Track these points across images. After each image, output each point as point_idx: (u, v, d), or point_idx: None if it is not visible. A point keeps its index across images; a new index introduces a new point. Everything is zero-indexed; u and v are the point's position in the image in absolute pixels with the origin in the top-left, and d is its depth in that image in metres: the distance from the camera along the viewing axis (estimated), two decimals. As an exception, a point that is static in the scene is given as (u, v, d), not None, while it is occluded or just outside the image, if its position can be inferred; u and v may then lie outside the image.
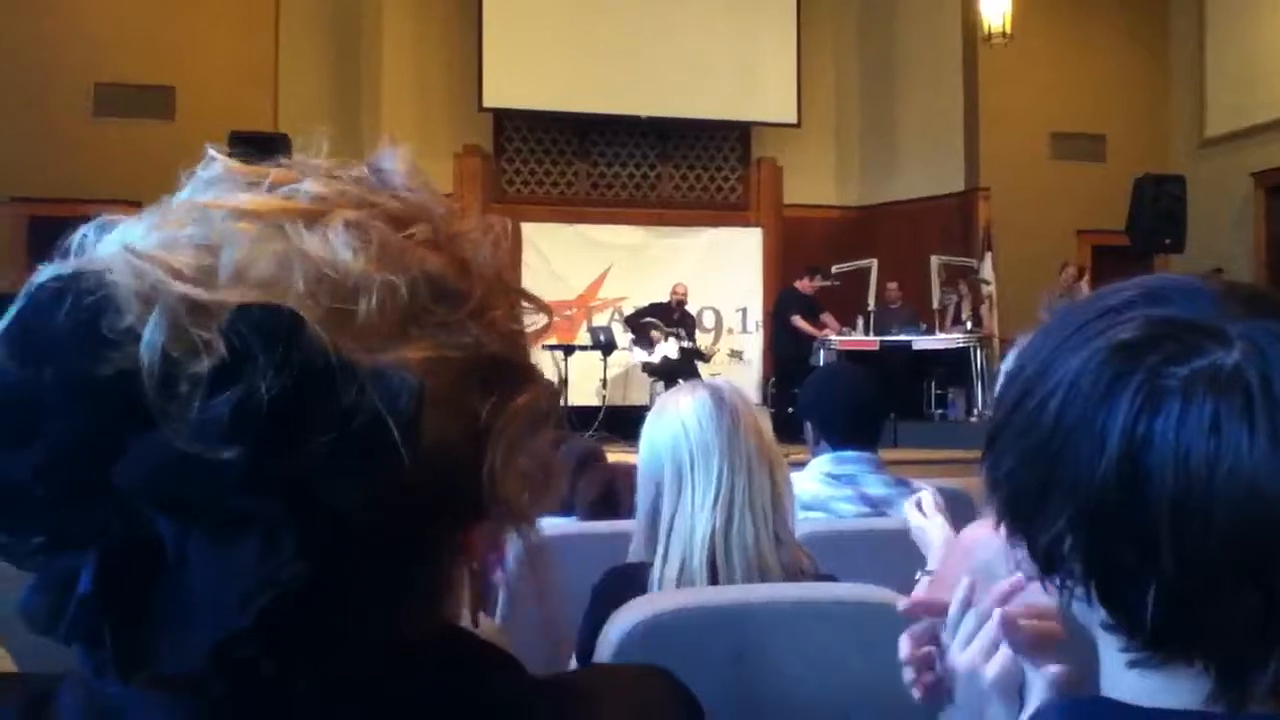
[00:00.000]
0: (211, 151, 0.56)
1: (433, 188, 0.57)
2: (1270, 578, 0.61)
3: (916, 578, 1.94)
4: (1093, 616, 0.67)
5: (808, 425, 2.65)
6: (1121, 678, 0.68)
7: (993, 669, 0.85)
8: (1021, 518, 0.68)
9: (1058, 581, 0.67)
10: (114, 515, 0.44)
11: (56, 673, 0.53)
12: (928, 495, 2.04)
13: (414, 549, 0.52)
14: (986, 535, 1.72)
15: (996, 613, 0.85)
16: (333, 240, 0.50)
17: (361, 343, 0.48)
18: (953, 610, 0.90)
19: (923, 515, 2.00)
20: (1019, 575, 0.80)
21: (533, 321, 0.58)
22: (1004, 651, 0.87)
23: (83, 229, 0.51)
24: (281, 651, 0.45)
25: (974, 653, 0.87)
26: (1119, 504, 0.62)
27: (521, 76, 11.03)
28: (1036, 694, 0.82)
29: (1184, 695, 0.65)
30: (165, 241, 0.49)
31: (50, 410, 0.44)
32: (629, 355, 10.42)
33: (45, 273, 0.47)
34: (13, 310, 0.46)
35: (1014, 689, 0.84)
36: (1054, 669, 0.81)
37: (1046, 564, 0.67)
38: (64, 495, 0.44)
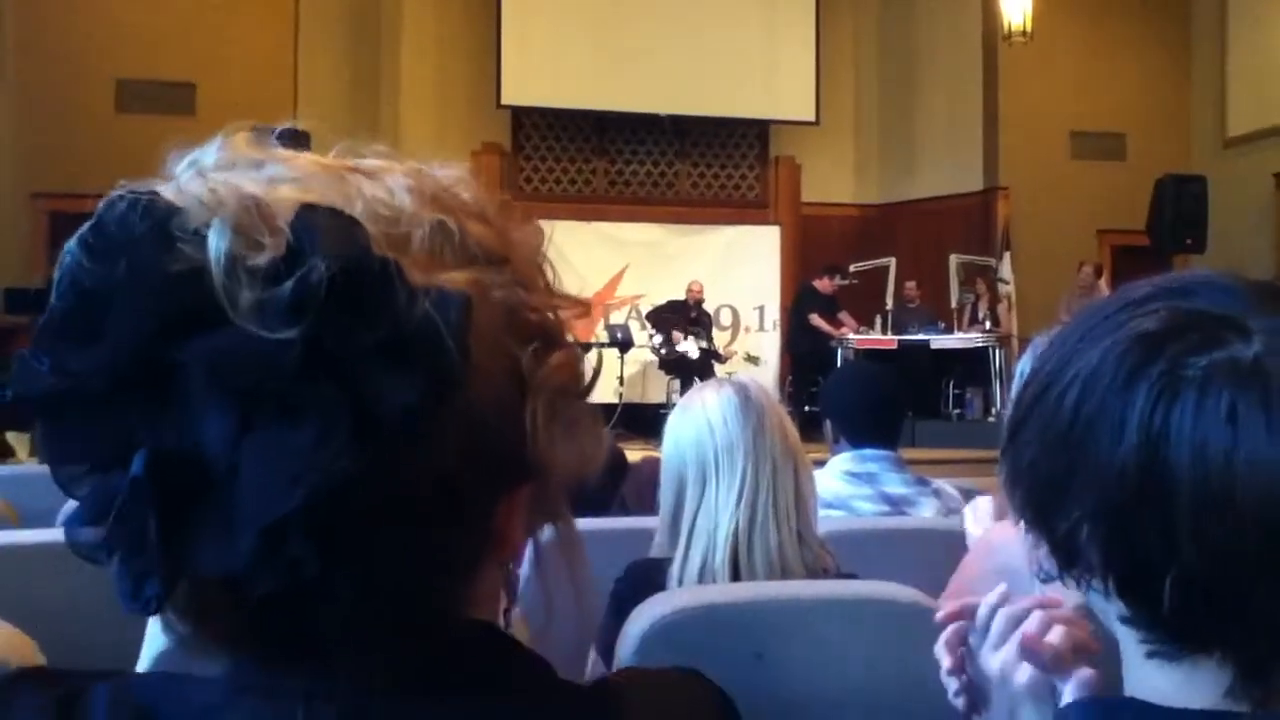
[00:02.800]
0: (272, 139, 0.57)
1: (480, 188, 0.58)
2: None
3: None
4: (1111, 610, 0.67)
5: (827, 423, 2.64)
6: (1143, 673, 0.68)
7: (1024, 674, 0.84)
8: (1041, 509, 0.68)
9: (1076, 576, 0.67)
10: (168, 421, 0.45)
11: (91, 670, 0.54)
12: (984, 502, 2.05)
13: (459, 499, 0.51)
14: (1010, 536, 1.71)
15: (1020, 629, 0.84)
16: (390, 184, 0.53)
17: (415, 265, 0.49)
18: (982, 612, 0.89)
19: (976, 522, 2.01)
20: (1046, 594, 0.80)
21: (569, 312, 0.58)
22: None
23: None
24: (326, 549, 0.45)
25: (1004, 657, 0.86)
26: (1137, 493, 0.62)
27: (540, 74, 11.04)
28: (1070, 695, 0.81)
29: (1205, 689, 0.65)
30: (234, 165, 0.51)
31: (121, 305, 0.45)
32: (648, 351, 10.42)
33: (121, 188, 0.49)
34: (90, 220, 0.48)
35: (1046, 691, 0.84)
36: (1086, 672, 0.81)
37: (1065, 557, 0.67)
38: (125, 390, 0.45)
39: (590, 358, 0.61)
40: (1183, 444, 0.61)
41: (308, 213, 0.46)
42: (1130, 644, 0.67)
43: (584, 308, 0.60)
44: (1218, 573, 0.61)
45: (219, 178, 0.50)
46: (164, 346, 0.45)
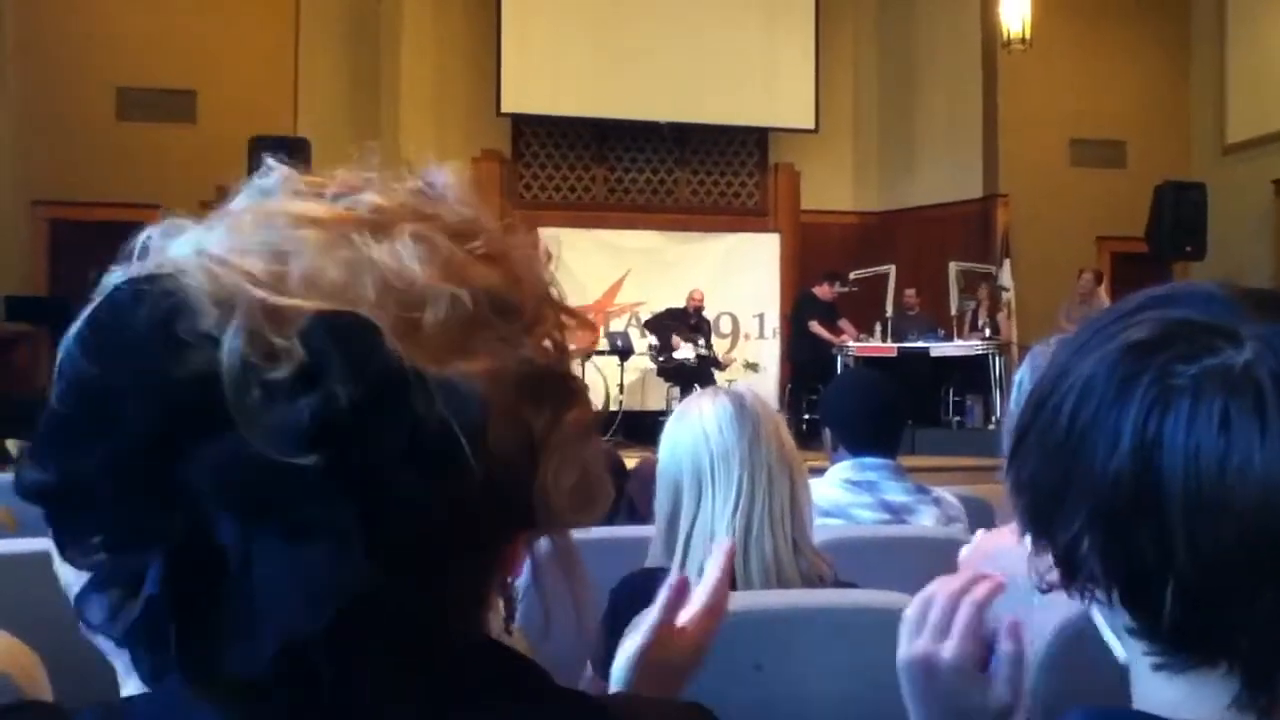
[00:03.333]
0: (270, 161, 0.56)
1: (483, 204, 0.58)
2: None
3: None
4: (1117, 622, 0.67)
5: (827, 431, 2.64)
6: (1150, 686, 0.67)
7: (949, 650, 0.89)
8: (1043, 520, 0.68)
9: (1080, 588, 0.67)
10: (177, 518, 0.45)
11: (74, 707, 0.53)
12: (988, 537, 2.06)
13: (466, 559, 0.52)
14: (1006, 544, 1.71)
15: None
16: (400, 251, 0.50)
17: (428, 353, 0.48)
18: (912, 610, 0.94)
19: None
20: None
21: (579, 337, 0.59)
22: (957, 631, 0.92)
23: (146, 231, 0.51)
24: (345, 661, 0.45)
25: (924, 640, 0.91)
26: (1133, 502, 0.62)
27: (540, 81, 11.06)
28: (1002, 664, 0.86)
29: (1211, 701, 0.65)
30: (236, 247, 0.49)
31: (125, 408, 0.44)
32: (647, 359, 10.42)
33: (119, 275, 0.48)
34: (88, 311, 0.47)
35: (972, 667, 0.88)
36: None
37: (1068, 569, 0.67)
38: (131, 493, 0.45)
39: (597, 388, 0.61)
40: (1176, 452, 0.61)
41: (322, 323, 0.45)
42: (1137, 657, 0.67)
43: (592, 331, 0.60)
44: (1214, 581, 0.61)
45: (220, 257, 0.48)
46: (168, 451, 0.44)
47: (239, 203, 0.54)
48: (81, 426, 0.45)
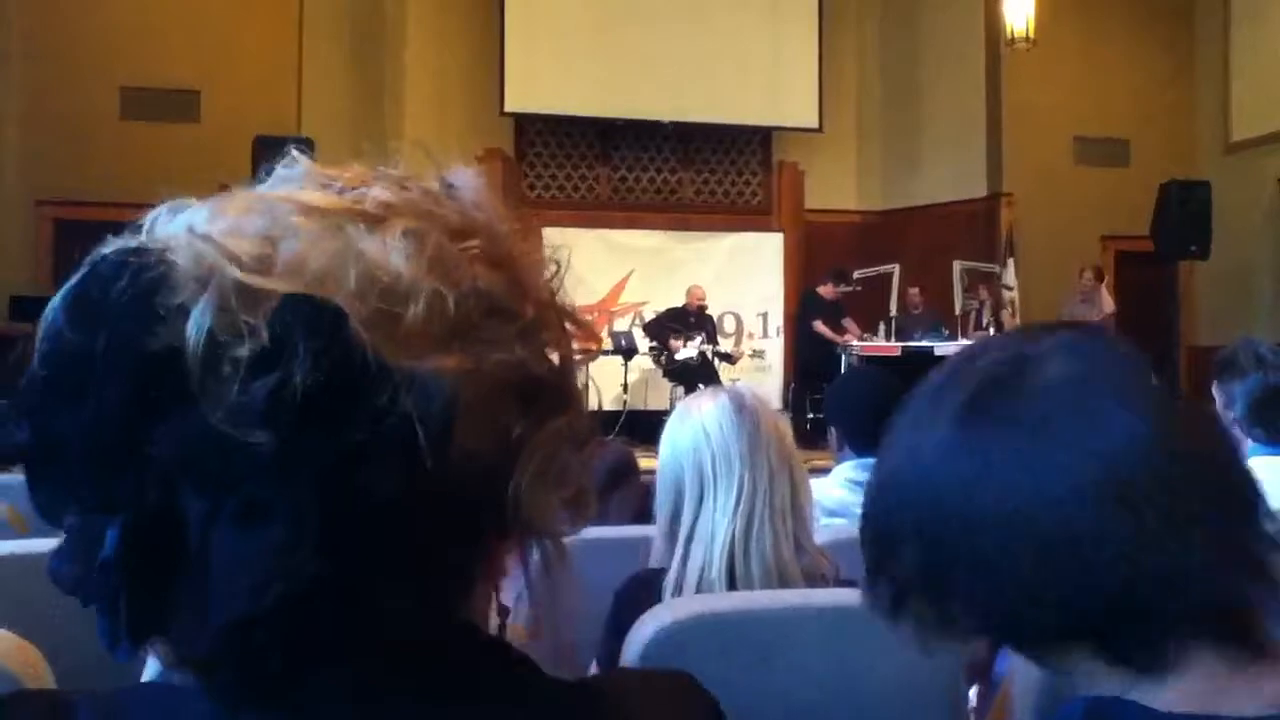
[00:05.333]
0: (294, 152, 0.57)
1: (500, 208, 0.57)
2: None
3: None
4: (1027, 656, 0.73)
5: (832, 430, 2.64)
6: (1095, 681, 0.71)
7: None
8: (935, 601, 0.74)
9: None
10: (147, 486, 0.45)
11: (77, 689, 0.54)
12: None
13: (436, 559, 0.52)
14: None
15: None
16: (389, 244, 0.51)
17: (404, 347, 0.48)
18: None
19: None
20: None
21: (582, 348, 0.59)
22: None
23: (156, 209, 0.52)
24: (293, 646, 0.45)
25: None
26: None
27: (543, 80, 11.05)
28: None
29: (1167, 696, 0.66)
30: (228, 228, 0.50)
31: (100, 374, 0.45)
32: (649, 361, 10.41)
33: (110, 245, 0.49)
34: (75, 278, 0.48)
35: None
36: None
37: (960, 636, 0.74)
38: (102, 458, 0.45)
39: (614, 395, 0.61)
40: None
41: (291, 305, 0.45)
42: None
43: (596, 341, 0.60)
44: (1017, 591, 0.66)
45: (209, 236, 0.49)
46: (140, 420, 0.45)
47: (259, 188, 0.55)
48: (58, 390, 0.46)
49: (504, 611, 0.59)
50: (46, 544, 1.96)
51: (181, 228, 0.50)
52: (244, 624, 0.44)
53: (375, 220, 0.52)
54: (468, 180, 0.58)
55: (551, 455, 0.54)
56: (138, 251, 0.48)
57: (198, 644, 0.45)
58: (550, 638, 0.61)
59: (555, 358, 0.56)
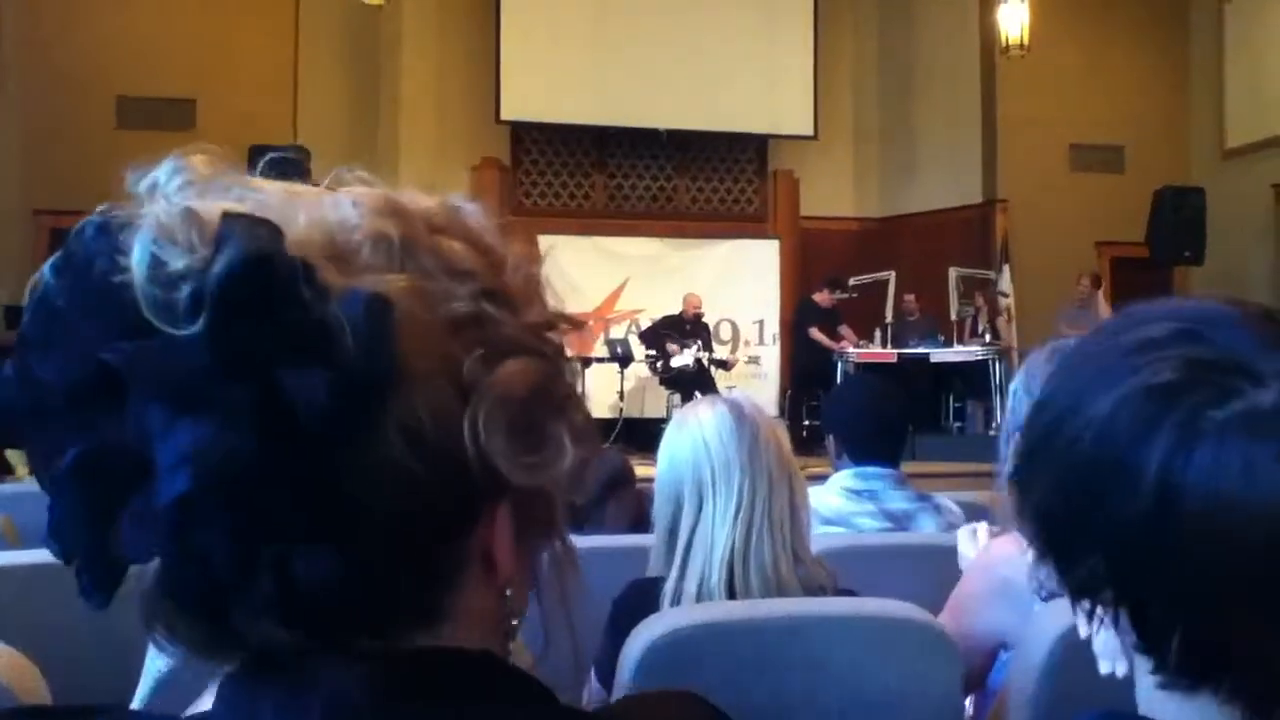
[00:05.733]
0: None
1: (494, 230, 0.58)
2: None
3: None
4: (1125, 639, 0.68)
5: (830, 438, 2.64)
6: (1154, 699, 0.68)
7: None
8: (1053, 546, 0.69)
9: (1087, 605, 0.68)
10: (115, 426, 0.47)
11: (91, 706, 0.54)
12: (983, 529, 2.06)
13: (411, 508, 0.51)
14: (1009, 550, 1.71)
15: None
16: (339, 199, 0.54)
17: (342, 265, 0.50)
18: None
19: (974, 547, 2.02)
20: None
21: (562, 330, 0.58)
22: None
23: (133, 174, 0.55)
24: (238, 530, 0.46)
25: None
26: (1150, 543, 0.63)
27: (539, 89, 11.07)
28: None
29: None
30: (197, 191, 0.53)
31: (70, 316, 0.48)
32: (645, 369, 10.42)
33: (99, 210, 0.52)
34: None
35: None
36: None
37: (1077, 593, 0.68)
38: (80, 403, 0.47)
39: (610, 403, 0.60)
40: (1197, 496, 0.61)
41: (229, 220, 0.47)
42: (1142, 672, 0.68)
43: (577, 327, 0.59)
44: (1221, 619, 0.62)
45: (180, 200, 0.51)
46: (104, 354, 0.47)
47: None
48: (41, 336, 0.49)
49: (513, 618, 0.58)
50: (40, 555, 1.96)
51: (149, 187, 0.53)
52: (177, 507, 0.45)
53: (337, 192, 0.55)
54: (469, 206, 0.59)
55: (513, 394, 0.52)
56: (113, 209, 0.51)
57: (144, 551, 0.46)
58: (564, 646, 0.60)
59: (528, 326, 0.56)
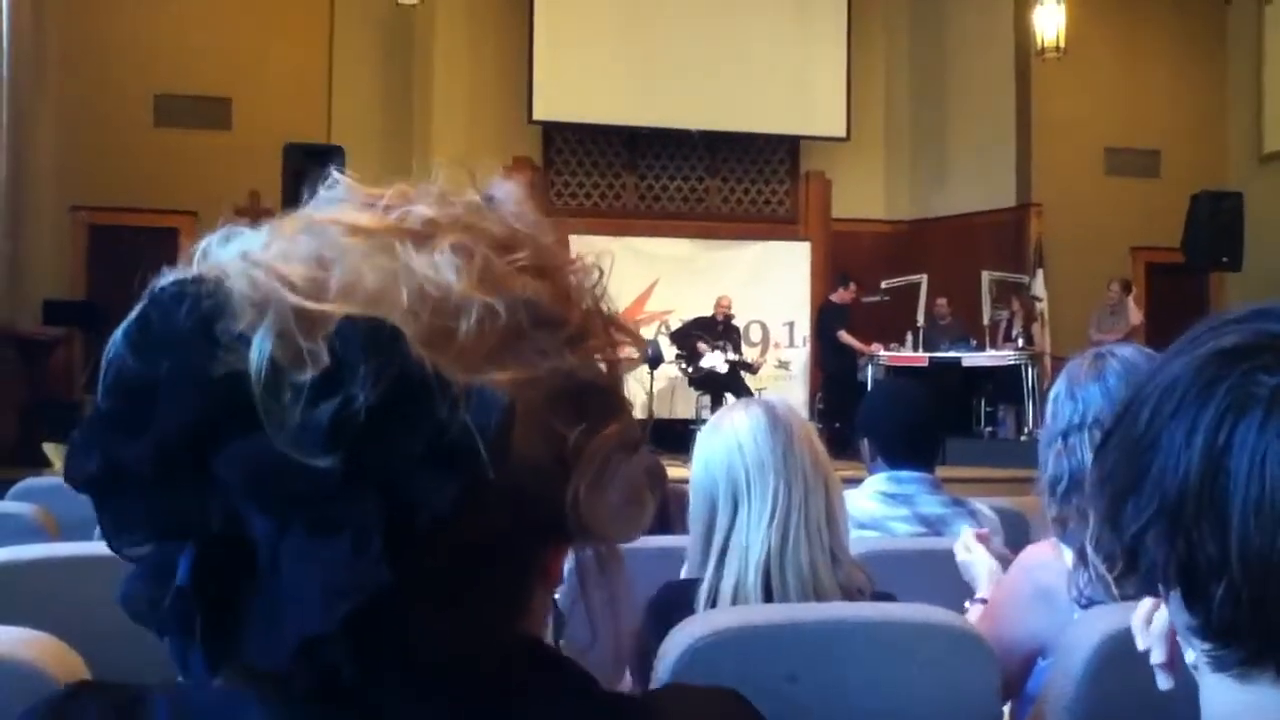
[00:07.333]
0: (334, 173, 0.58)
1: (540, 219, 0.59)
2: None
3: (966, 606, 1.96)
4: (1181, 623, 0.69)
5: (864, 442, 2.63)
6: (1213, 694, 0.69)
7: None
8: (1115, 512, 0.70)
9: (1140, 580, 0.70)
10: (214, 511, 0.46)
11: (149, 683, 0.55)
12: (968, 531, 2.10)
13: (496, 565, 0.53)
14: (1048, 557, 1.70)
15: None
16: (438, 260, 0.52)
17: (458, 361, 0.49)
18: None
19: (967, 550, 2.04)
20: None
21: (629, 354, 0.59)
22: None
23: (207, 237, 0.54)
24: (364, 655, 0.46)
25: None
26: (1198, 501, 0.64)
27: (571, 89, 11.09)
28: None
29: (1274, 713, 0.65)
30: (280, 253, 0.51)
31: (164, 402, 0.47)
32: (676, 369, 10.41)
33: (168, 276, 0.50)
34: (136, 310, 0.49)
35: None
36: None
37: (1131, 558, 0.69)
38: (169, 484, 0.46)
39: (640, 388, 0.61)
40: (1244, 456, 0.63)
41: (349, 327, 0.46)
42: (1202, 662, 0.69)
43: (640, 343, 0.61)
44: (1264, 585, 0.62)
45: (263, 263, 0.50)
46: (205, 444, 0.46)
47: (302, 211, 0.56)
48: (124, 418, 0.47)
49: (560, 616, 0.60)
50: (77, 547, 1.98)
51: (235, 254, 0.51)
52: (317, 640, 0.45)
53: (422, 237, 0.53)
54: (508, 192, 0.59)
55: (607, 461, 0.54)
56: (195, 280, 0.49)
57: (272, 657, 0.46)
58: (609, 641, 0.61)
59: (603, 364, 0.57)
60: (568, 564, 0.59)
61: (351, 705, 0.49)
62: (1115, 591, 1.47)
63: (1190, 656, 0.70)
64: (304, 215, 0.54)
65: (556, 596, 0.61)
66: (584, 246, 0.61)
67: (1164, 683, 0.82)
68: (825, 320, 10.56)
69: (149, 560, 0.48)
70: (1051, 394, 1.75)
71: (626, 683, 1.66)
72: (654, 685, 1.38)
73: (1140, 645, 0.85)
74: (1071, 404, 1.67)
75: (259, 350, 0.46)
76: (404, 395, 0.46)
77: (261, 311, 0.48)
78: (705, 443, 1.72)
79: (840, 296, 10.50)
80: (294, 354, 0.46)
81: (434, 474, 0.46)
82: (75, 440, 0.48)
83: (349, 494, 0.45)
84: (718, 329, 10.36)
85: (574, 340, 0.55)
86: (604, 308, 0.58)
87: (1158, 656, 0.83)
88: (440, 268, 0.52)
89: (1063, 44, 10.71)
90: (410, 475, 0.46)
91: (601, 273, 0.59)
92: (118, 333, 0.49)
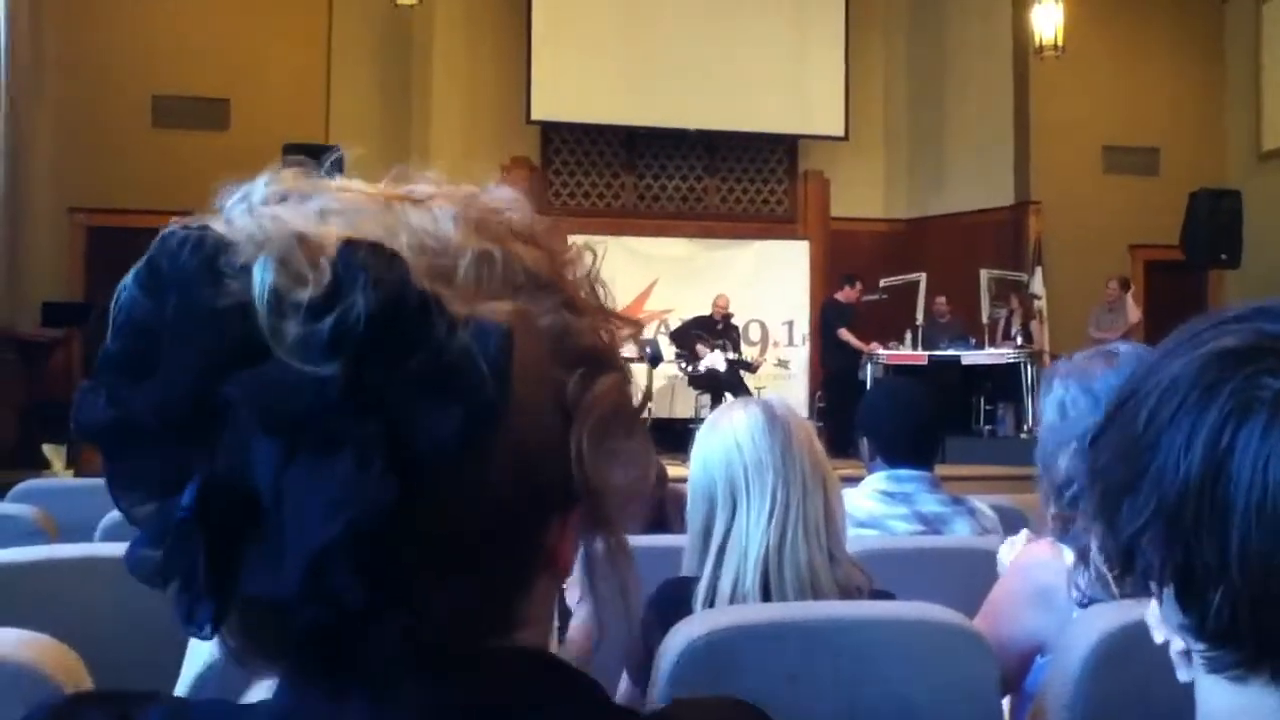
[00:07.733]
0: (330, 165, 0.59)
1: (538, 217, 0.59)
2: None
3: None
4: (1173, 620, 0.68)
5: (864, 440, 2.63)
6: (1210, 695, 0.69)
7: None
8: (1110, 510, 0.70)
9: (1135, 582, 0.69)
10: (220, 453, 0.46)
11: (143, 691, 0.55)
12: (1023, 539, 2.04)
13: (500, 531, 0.52)
14: (1047, 556, 1.70)
15: None
16: (437, 214, 0.54)
17: (458, 296, 0.50)
18: None
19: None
20: None
21: (626, 334, 0.60)
22: None
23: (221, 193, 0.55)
24: (370, 578, 0.46)
25: None
26: (1197, 505, 0.63)
27: (569, 89, 11.09)
28: None
29: (1265, 713, 0.65)
30: (283, 204, 0.52)
31: (171, 338, 0.47)
32: (675, 368, 10.41)
33: (174, 224, 0.51)
34: (144, 256, 0.50)
35: None
36: None
37: (1127, 559, 0.69)
38: (178, 429, 0.47)
39: (639, 377, 0.61)
40: (1246, 462, 0.62)
41: (350, 248, 0.47)
42: (1197, 662, 0.68)
43: (637, 327, 0.61)
44: (1263, 590, 0.62)
45: (267, 212, 0.51)
46: (212, 381, 0.46)
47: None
48: (133, 358, 0.47)
49: (566, 614, 0.59)
50: (77, 549, 1.98)
51: (239, 205, 0.53)
52: (320, 554, 0.45)
53: (419, 201, 0.55)
54: (505, 192, 0.60)
55: (606, 415, 0.55)
56: (200, 226, 0.50)
57: (279, 585, 0.46)
58: (616, 638, 0.61)
59: (603, 334, 0.58)
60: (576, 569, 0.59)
61: (350, 696, 0.49)
62: (1115, 590, 1.46)
63: (1178, 645, 0.70)
64: (308, 180, 0.55)
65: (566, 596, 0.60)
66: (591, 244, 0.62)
67: (1184, 675, 0.81)
68: (827, 317, 10.57)
69: (154, 515, 0.48)
70: (1052, 394, 1.74)
71: (624, 685, 1.66)
72: (653, 682, 1.38)
73: (1157, 639, 0.85)
74: (1089, 399, 1.65)
75: (261, 276, 0.47)
76: (402, 312, 0.46)
77: (263, 245, 0.48)
78: (703, 442, 1.72)
79: (845, 295, 10.51)
80: (296, 276, 0.47)
81: (435, 398, 0.46)
82: (84, 384, 0.48)
83: (351, 410, 0.45)
84: (717, 328, 10.36)
85: (571, 307, 0.56)
86: (600, 291, 0.59)
87: (1178, 645, 0.83)
88: (439, 220, 0.53)
89: (1061, 43, 10.72)
90: (411, 397, 0.46)
91: (595, 255, 0.60)
92: (128, 277, 0.49)
